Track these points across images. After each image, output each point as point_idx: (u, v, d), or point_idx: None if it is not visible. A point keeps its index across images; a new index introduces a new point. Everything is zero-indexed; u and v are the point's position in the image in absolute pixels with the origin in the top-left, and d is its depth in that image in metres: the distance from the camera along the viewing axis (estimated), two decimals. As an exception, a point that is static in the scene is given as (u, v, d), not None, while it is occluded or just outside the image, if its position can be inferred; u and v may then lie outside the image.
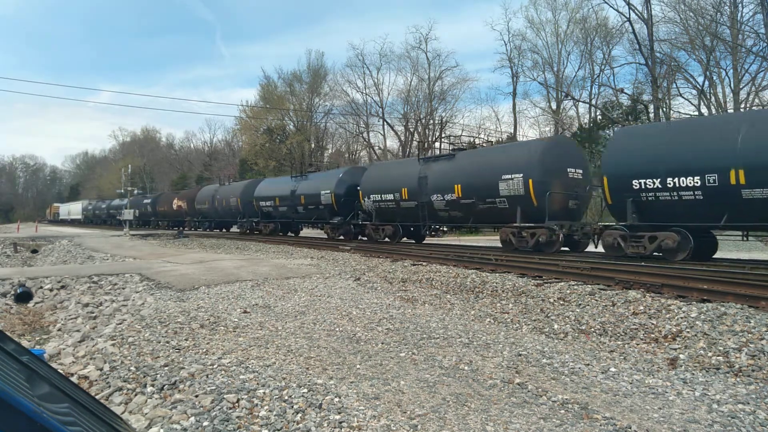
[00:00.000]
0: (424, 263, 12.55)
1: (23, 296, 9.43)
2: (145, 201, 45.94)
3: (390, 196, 18.64)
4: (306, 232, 29.09)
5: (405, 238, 20.09)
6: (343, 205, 21.27)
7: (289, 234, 27.24)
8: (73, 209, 71.69)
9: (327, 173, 24.81)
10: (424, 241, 20.63)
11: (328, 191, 21.78)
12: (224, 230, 34.60)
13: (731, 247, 17.91)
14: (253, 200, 27.44)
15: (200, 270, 11.56)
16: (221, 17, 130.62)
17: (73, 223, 67.45)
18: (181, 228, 34.89)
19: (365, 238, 20.79)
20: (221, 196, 31.67)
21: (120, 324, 6.64)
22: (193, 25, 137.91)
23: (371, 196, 19.55)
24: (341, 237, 22.01)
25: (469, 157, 16.28)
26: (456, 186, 15.78)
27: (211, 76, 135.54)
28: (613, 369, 5.02)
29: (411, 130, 47.39)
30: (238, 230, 30.25)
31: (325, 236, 23.64)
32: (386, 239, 19.50)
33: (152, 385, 4.28)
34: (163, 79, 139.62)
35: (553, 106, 41.92)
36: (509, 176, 13.96)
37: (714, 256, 12.05)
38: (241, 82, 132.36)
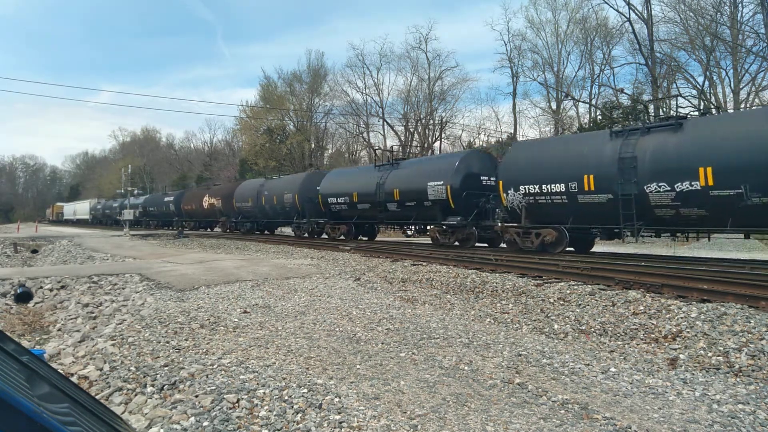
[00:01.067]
0: (424, 263, 12.54)
1: (23, 296, 9.43)
2: (167, 199, 41.38)
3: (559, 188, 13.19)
4: (389, 235, 27.75)
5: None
6: (464, 201, 16.04)
7: (361, 238, 22.63)
8: (80, 209, 67.62)
9: (433, 159, 22.94)
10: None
11: (441, 183, 16.54)
12: (272, 232, 29.91)
13: (731, 247, 17.90)
14: (318, 197, 22.22)
15: (200, 270, 11.56)
16: (222, 17, 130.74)
17: (79, 223, 64.07)
18: (181, 228, 34.76)
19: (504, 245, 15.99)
20: (270, 192, 25.99)
21: (120, 324, 6.64)
22: (193, 25, 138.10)
23: (520, 187, 13.82)
24: (468, 245, 16.92)
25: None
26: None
27: (211, 76, 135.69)
28: (613, 369, 5.02)
29: (411, 130, 47.39)
30: (294, 233, 25.70)
31: (434, 242, 17.83)
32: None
33: (152, 385, 4.28)
34: (164, 79, 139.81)
35: (553, 106, 41.94)
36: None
37: (714, 256, 12.12)
38: (241, 82, 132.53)
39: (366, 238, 22.58)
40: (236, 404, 3.80)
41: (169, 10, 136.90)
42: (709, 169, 9.94)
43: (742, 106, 28.41)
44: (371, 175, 19.77)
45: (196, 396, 3.96)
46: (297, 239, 23.55)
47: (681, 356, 5.43)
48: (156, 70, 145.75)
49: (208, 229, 36.39)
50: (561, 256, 12.20)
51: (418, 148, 46.20)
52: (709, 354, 5.38)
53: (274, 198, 25.52)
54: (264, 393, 3.98)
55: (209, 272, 11.16)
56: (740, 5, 28.40)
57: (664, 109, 32.33)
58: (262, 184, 27.34)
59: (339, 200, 21.21)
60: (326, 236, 22.94)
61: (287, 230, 29.62)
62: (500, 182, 14.30)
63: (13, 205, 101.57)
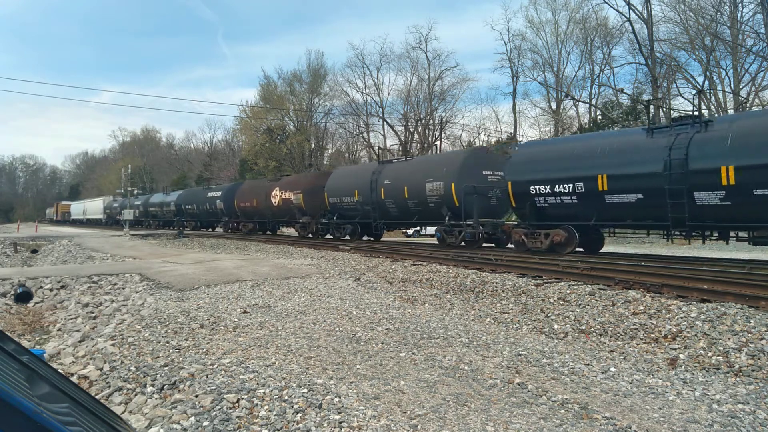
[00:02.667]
0: (424, 263, 12.54)
1: (23, 296, 9.44)
2: (211, 194, 32.47)
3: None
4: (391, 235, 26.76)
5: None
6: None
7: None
8: (91, 207, 59.57)
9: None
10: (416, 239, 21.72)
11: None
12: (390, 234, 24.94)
13: (731, 247, 17.90)
14: (527, 187, 13.64)
15: (200, 270, 11.56)
16: (223, 17, 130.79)
17: (89, 224, 56.70)
18: (181, 228, 34.65)
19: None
20: (394, 181, 17.93)
21: (120, 324, 6.64)
22: (195, 25, 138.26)
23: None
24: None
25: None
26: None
27: (212, 76, 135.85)
28: (613, 369, 5.02)
29: (411, 130, 47.40)
30: (440, 241, 17.38)
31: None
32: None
33: (152, 385, 4.28)
34: (165, 79, 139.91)
35: (553, 106, 41.94)
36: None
37: (714, 256, 12.12)
38: (242, 81, 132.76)
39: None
40: (236, 404, 3.80)
41: (170, 10, 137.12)
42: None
43: (742, 106, 28.41)
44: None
45: (196, 396, 3.96)
46: (297, 240, 23.54)
47: (681, 356, 5.43)
48: (157, 70, 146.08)
49: (284, 230, 30.08)
50: (561, 256, 12.19)
51: (418, 148, 46.21)
52: (709, 354, 5.38)
53: (404, 189, 17.41)
54: (264, 393, 3.98)
55: (209, 272, 11.16)
56: (740, 5, 28.42)
57: (664, 109, 32.35)
58: (378, 169, 19.14)
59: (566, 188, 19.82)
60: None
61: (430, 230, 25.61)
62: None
63: (13, 205, 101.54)
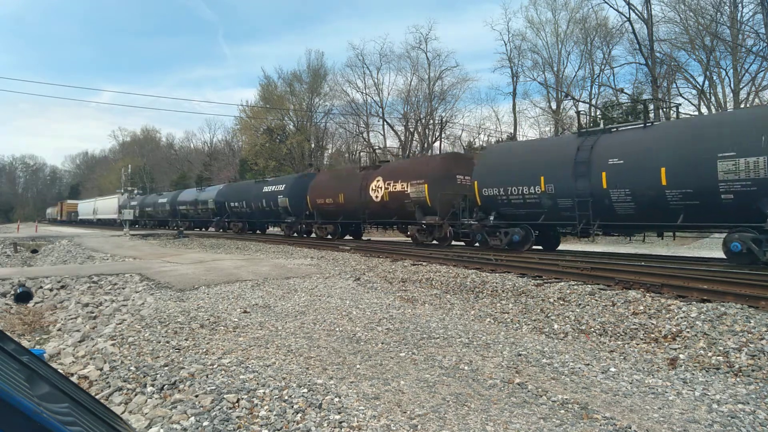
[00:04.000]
0: (424, 263, 12.54)
1: (23, 296, 9.44)
2: (268, 189, 25.19)
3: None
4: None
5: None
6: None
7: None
8: (104, 206, 52.37)
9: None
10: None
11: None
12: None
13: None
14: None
15: (200, 270, 11.56)
16: (223, 17, 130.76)
17: (101, 225, 50.77)
18: (180, 228, 34.59)
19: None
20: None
21: (120, 324, 6.64)
22: (195, 25, 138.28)
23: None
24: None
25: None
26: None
27: (212, 76, 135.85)
28: (613, 369, 5.02)
29: (411, 130, 47.39)
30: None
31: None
32: None
33: (152, 385, 4.28)
34: (165, 80, 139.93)
35: (553, 106, 41.93)
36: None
37: (714, 256, 12.12)
38: (242, 81, 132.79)
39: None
40: (236, 404, 3.80)
41: (170, 10, 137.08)
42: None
43: (743, 106, 28.41)
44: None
45: (196, 396, 3.96)
46: (296, 239, 23.59)
47: (681, 356, 5.43)
48: (157, 70, 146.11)
49: (387, 231, 23.73)
50: (561, 256, 12.19)
51: (418, 148, 46.22)
52: (709, 354, 5.38)
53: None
54: (264, 393, 3.98)
55: (209, 272, 11.16)
56: (740, 5, 28.41)
57: (664, 109, 32.37)
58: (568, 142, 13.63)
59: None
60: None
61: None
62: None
63: (13, 205, 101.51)
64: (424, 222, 16.92)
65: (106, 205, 51.60)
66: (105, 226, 48.28)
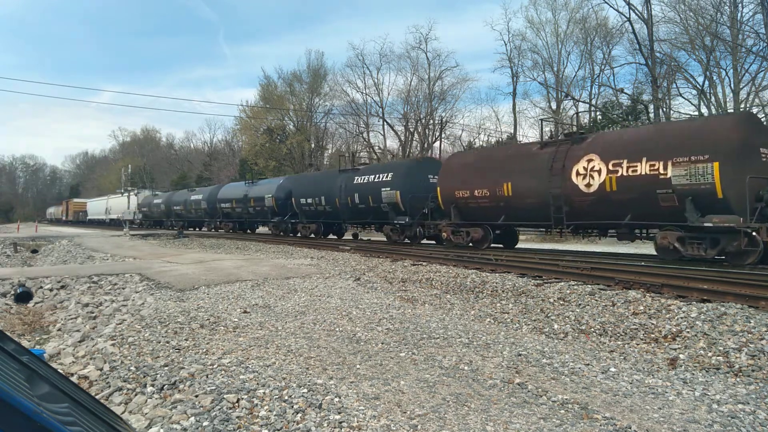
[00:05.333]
0: (424, 263, 12.54)
1: (23, 296, 9.44)
2: (365, 179, 19.47)
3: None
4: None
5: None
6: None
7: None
8: (119, 205, 45.91)
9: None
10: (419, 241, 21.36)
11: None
12: None
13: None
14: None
15: (200, 270, 11.56)
16: (224, 17, 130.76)
17: (113, 225, 45.14)
18: (180, 228, 34.48)
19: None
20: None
21: (120, 324, 6.64)
22: (196, 25, 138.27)
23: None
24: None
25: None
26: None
27: (213, 76, 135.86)
28: (613, 369, 5.02)
29: (411, 130, 47.38)
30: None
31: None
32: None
33: (152, 385, 4.28)
34: (166, 79, 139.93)
35: (553, 106, 41.93)
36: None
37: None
38: (243, 81, 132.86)
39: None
40: (236, 404, 3.80)
41: (171, 10, 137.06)
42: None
43: (742, 106, 28.41)
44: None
45: (196, 396, 3.96)
46: (295, 239, 23.61)
47: (681, 356, 5.43)
48: (158, 70, 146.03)
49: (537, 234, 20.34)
50: (561, 256, 12.20)
51: (418, 148, 46.23)
52: (709, 354, 5.38)
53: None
54: (264, 393, 3.98)
55: (209, 272, 11.16)
56: (740, 5, 28.38)
57: (664, 109, 32.37)
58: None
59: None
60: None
61: None
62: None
63: (13, 205, 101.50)
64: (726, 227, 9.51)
65: (123, 204, 44.55)
66: (119, 227, 41.69)
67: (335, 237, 23.88)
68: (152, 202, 42.97)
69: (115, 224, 46.27)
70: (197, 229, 36.08)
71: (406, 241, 18.66)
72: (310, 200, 22.52)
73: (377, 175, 19.13)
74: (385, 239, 20.11)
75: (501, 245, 15.93)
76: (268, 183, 26.91)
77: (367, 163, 26.40)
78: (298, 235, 24.28)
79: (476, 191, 14.90)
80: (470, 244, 15.35)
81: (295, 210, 23.63)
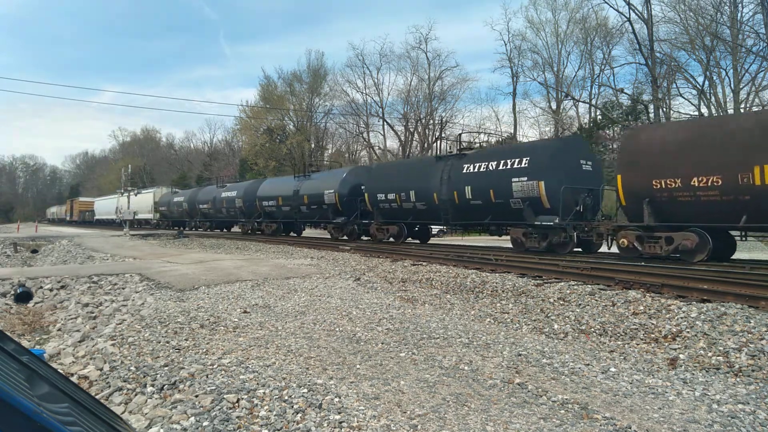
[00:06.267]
0: (424, 263, 12.54)
1: (23, 296, 9.44)
2: (487, 165, 14.88)
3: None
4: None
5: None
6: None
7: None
8: (133, 203, 39.47)
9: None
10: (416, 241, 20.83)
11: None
12: None
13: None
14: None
15: (200, 270, 11.56)
16: (224, 17, 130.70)
17: (134, 225, 39.02)
18: (180, 228, 34.34)
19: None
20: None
21: (120, 324, 6.64)
22: (196, 25, 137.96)
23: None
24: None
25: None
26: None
27: (213, 76, 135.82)
28: (613, 369, 5.02)
29: (411, 130, 47.42)
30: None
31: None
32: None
33: (152, 385, 4.28)
34: (166, 79, 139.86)
35: (553, 106, 41.94)
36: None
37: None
38: (243, 81, 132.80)
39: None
40: (236, 404, 3.80)
41: (172, 10, 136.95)
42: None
43: (742, 106, 28.41)
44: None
45: (196, 396, 3.96)
46: (295, 239, 23.58)
47: (681, 356, 5.43)
48: (158, 70, 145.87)
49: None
50: (561, 256, 12.20)
51: (418, 148, 46.24)
52: (709, 354, 5.38)
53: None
54: (264, 393, 3.98)
55: (209, 272, 11.16)
56: (740, 5, 28.41)
57: (664, 109, 32.37)
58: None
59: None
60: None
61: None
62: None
63: (13, 205, 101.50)
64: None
65: (136, 203, 41.93)
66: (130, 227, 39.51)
67: (419, 241, 19.78)
68: (172, 201, 38.43)
69: (139, 224, 43.22)
70: (224, 230, 32.79)
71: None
72: (391, 196, 18.27)
73: (503, 162, 14.35)
74: (511, 246, 14.88)
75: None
76: (328, 176, 22.76)
77: (473, 148, 17.76)
78: (363, 238, 20.75)
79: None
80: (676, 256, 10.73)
81: (368, 208, 19.68)
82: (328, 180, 22.22)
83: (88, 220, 56.99)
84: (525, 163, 13.81)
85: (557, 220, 12.97)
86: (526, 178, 13.64)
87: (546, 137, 36.79)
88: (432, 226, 20.96)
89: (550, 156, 13.64)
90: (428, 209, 17.07)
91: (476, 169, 15.22)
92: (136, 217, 42.01)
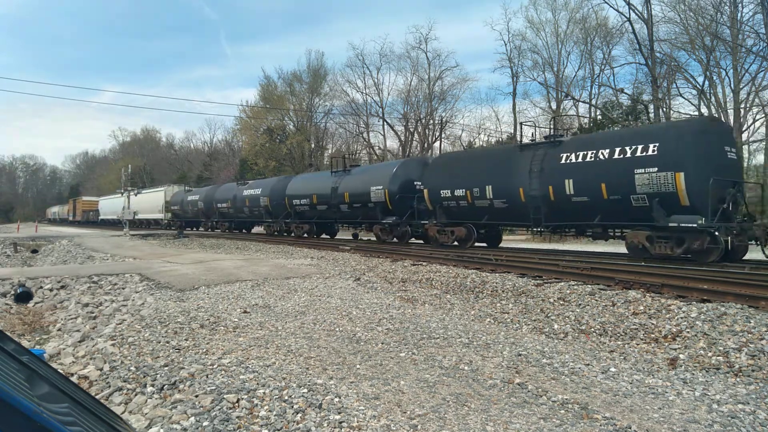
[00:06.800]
0: (424, 263, 12.54)
1: (23, 296, 9.44)
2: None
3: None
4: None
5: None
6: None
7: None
8: (142, 203, 38.89)
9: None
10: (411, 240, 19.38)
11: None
12: None
13: (731, 247, 17.86)
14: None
15: (200, 270, 11.56)
16: (225, 17, 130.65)
17: (134, 226, 37.14)
18: (181, 228, 34.30)
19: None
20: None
21: (120, 324, 6.64)
22: (197, 25, 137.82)
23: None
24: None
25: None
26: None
27: (213, 76, 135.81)
28: (613, 369, 5.02)
29: (411, 130, 47.40)
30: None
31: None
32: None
33: (152, 385, 4.28)
34: (166, 79, 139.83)
35: (553, 106, 41.93)
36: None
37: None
38: (243, 81, 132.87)
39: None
40: (236, 404, 3.80)
41: (172, 10, 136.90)
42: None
43: (742, 106, 28.42)
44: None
45: (196, 396, 3.96)
46: (295, 239, 23.52)
47: (681, 356, 5.43)
48: (159, 70, 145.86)
49: None
50: (561, 256, 12.19)
51: (418, 148, 46.23)
52: (709, 354, 5.38)
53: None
54: (264, 393, 3.98)
55: (209, 272, 11.16)
56: (740, 5, 28.39)
57: (664, 109, 32.36)
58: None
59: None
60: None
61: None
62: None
63: (13, 205, 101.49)
64: None
65: (146, 202, 38.90)
66: (136, 227, 37.72)
67: (486, 245, 16.94)
68: (185, 200, 35.47)
69: (135, 225, 40.34)
70: (243, 232, 30.64)
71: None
72: (459, 192, 15.54)
73: (621, 149, 11.51)
74: (627, 252, 12.16)
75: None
76: (374, 171, 20.32)
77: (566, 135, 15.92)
78: (415, 241, 18.64)
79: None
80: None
81: (428, 207, 17.04)
82: (375, 175, 19.43)
83: (92, 220, 54.71)
84: (654, 150, 10.94)
85: (702, 221, 10.26)
86: (656, 169, 10.83)
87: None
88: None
89: (692, 140, 10.74)
90: (510, 208, 14.17)
91: (580, 159, 12.33)
92: (144, 217, 40.00)
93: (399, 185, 18.10)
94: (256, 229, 31.26)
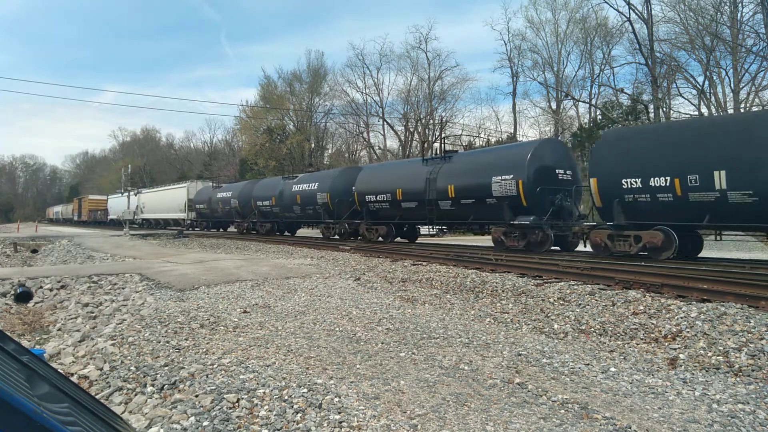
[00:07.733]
0: (424, 263, 12.54)
1: (23, 296, 9.44)
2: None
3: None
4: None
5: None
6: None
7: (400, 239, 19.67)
8: (158, 201, 35.22)
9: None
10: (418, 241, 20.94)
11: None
12: None
13: (731, 247, 17.90)
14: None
15: (200, 270, 11.55)
16: (226, 17, 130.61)
17: (154, 226, 34.97)
18: (181, 228, 34.24)
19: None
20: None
21: (120, 324, 6.64)
22: (197, 24, 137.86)
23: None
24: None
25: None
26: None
27: (214, 76, 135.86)
28: (613, 369, 5.02)
29: (411, 130, 47.42)
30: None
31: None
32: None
33: (152, 385, 4.28)
34: (167, 79, 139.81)
35: (553, 106, 41.95)
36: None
37: (714, 256, 12.20)
38: (244, 81, 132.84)
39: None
40: (236, 404, 3.80)
41: (173, 10, 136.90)
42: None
43: (742, 106, 28.42)
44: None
45: (196, 396, 3.96)
46: (295, 239, 23.50)
47: (681, 356, 5.43)
48: (159, 70, 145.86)
49: None
50: (561, 256, 12.19)
51: (418, 148, 46.22)
52: (709, 354, 5.38)
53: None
54: (264, 393, 3.98)
55: (209, 272, 11.16)
56: (740, 5, 28.41)
57: (664, 109, 32.36)
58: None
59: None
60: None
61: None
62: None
63: (13, 205, 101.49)
64: None
65: (163, 200, 34.13)
66: (152, 228, 33.40)
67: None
68: (214, 197, 30.98)
69: (149, 226, 36.92)
70: (287, 234, 26.55)
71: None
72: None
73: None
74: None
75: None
76: (492, 153, 16.62)
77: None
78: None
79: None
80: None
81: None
82: (498, 157, 16.05)
83: (100, 220, 50.10)
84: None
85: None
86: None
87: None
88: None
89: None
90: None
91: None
92: (162, 217, 36.01)
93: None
94: (301, 232, 27.92)
